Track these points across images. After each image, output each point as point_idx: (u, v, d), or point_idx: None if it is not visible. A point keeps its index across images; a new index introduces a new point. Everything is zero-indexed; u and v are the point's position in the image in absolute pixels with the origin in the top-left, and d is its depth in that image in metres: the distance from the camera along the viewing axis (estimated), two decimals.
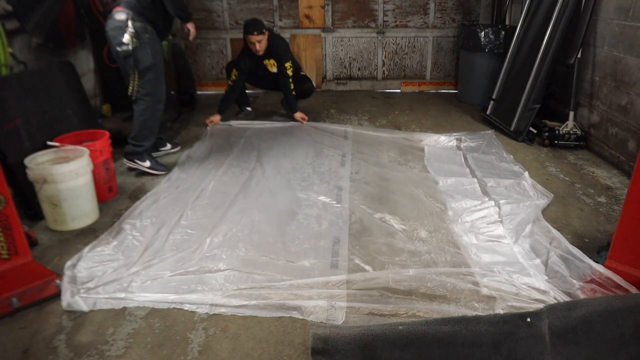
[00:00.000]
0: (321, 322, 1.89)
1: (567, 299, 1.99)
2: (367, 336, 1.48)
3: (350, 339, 1.48)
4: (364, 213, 2.74)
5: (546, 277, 2.15)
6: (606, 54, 3.55)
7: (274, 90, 4.66)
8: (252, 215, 2.71)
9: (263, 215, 2.73)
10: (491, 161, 3.48)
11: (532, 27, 4.18)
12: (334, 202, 2.88)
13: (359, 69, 5.79)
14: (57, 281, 2.10)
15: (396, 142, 3.92)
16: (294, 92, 4.33)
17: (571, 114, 3.80)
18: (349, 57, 5.74)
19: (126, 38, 2.99)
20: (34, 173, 2.52)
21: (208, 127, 4.25)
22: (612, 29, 3.48)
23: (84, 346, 1.82)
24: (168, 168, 3.42)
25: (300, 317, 1.94)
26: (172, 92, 4.45)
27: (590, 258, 2.17)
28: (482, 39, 4.81)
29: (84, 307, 2.00)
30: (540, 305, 1.88)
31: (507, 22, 5.15)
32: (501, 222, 2.62)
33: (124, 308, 2.01)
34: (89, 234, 2.60)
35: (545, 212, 2.74)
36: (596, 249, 2.36)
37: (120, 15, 3.03)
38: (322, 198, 2.93)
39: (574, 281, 2.08)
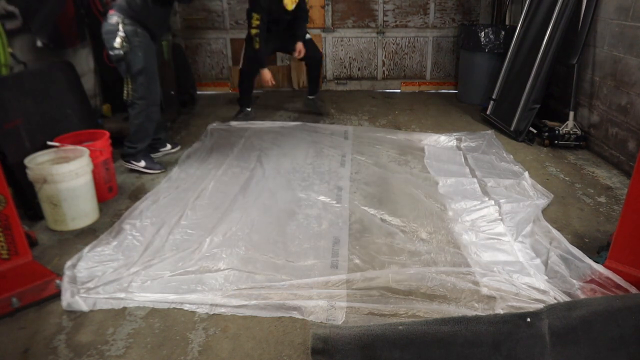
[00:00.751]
0: (321, 322, 1.90)
1: (567, 299, 1.99)
2: (367, 336, 1.48)
3: (350, 339, 1.48)
4: (364, 213, 2.74)
5: (546, 277, 2.15)
6: (606, 54, 3.55)
7: (280, 50, 4.59)
8: (252, 215, 2.71)
9: (263, 215, 2.73)
10: (491, 161, 3.48)
11: (532, 27, 4.18)
12: (334, 202, 2.88)
13: (359, 69, 5.79)
14: (57, 281, 2.10)
15: (396, 142, 3.92)
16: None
17: (571, 114, 3.80)
18: (349, 57, 5.73)
19: (117, 42, 2.99)
20: (34, 173, 2.52)
21: (208, 127, 4.25)
22: (612, 29, 3.48)
23: (84, 346, 1.82)
24: (167, 168, 3.42)
25: (300, 317, 1.94)
26: (172, 92, 4.45)
27: (590, 258, 2.18)
28: (482, 39, 4.80)
29: (84, 307, 2.00)
30: (540, 305, 1.88)
31: (507, 22, 5.15)
32: (501, 220, 2.62)
33: (124, 308, 2.01)
34: (89, 234, 2.60)
35: (545, 212, 2.74)
36: (596, 249, 2.36)
37: (112, 18, 3.03)
38: (322, 198, 2.93)
39: (574, 281, 2.08)
